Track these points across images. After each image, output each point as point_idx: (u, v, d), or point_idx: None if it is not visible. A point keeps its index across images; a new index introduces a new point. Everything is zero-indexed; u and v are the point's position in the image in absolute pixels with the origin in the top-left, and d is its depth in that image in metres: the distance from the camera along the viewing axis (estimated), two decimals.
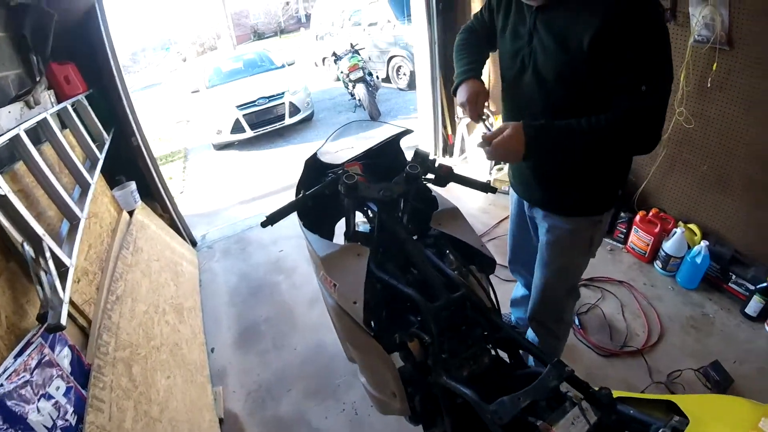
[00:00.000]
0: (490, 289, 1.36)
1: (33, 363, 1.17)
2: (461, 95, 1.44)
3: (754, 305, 2.24)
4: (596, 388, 1.01)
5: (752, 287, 2.27)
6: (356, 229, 1.53)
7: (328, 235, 1.68)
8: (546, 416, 0.96)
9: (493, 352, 1.25)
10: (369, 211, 1.53)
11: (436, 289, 1.19)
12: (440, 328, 1.13)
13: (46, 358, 1.24)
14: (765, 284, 2.18)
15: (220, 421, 2.04)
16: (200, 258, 3.47)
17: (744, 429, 0.85)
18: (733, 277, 2.38)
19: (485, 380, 1.15)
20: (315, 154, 1.63)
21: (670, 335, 2.28)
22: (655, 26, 1.09)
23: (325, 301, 1.44)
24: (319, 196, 1.33)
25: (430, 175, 1.39)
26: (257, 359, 2.46)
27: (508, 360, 1.27)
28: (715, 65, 2.09)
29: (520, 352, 1.25)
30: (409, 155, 1.47)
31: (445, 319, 1.15)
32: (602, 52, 1.11)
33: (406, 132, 1.68)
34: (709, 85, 2.17)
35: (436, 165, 1.36)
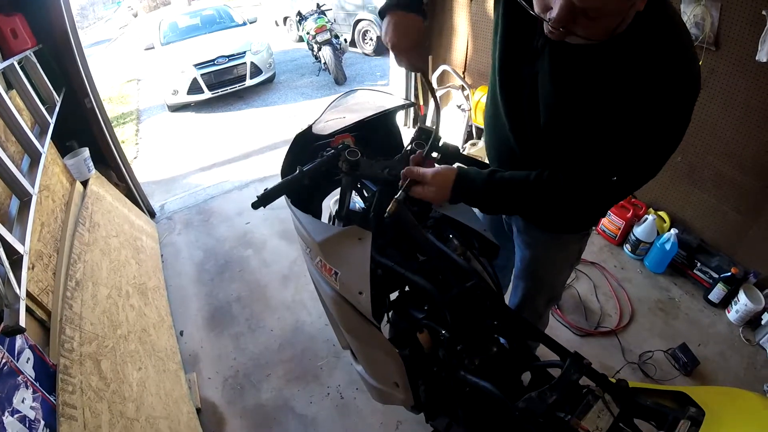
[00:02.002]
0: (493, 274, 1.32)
1: None
2: (385, 33, 1.08)
3: (717, 292, 2.36)
4: (613, 380, 1.01)
5: (716, 276, 2.39)
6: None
7: (316, 213, 1.56)
8: (566, 407, 0.97)
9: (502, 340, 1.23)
10: (365, 190, 1.43)
11: (447, 277, 1.13)
12: (455, 318, 1.09)
13: (7, 366, 1.08)
14: (729, 274, 2.30)
15: (198, 410, 1.94)
16: (160, 230, 3.24)
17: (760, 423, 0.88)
18: (698, 264, 2.49)
19: (493, 369, 1.14)
20: (308, 127, 1.47)
21: (640, 317, 2.38)
22: (680, 118, 0.88)
23: (319, 289, 1.35)
24: (316, 173, 1.19)
25: (435, 154, 1.25)
26: (231, 342, 2.35)
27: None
28: (700, 63, 2.10)
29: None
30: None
31: (459, 309, 1.11)
32: (608, 121, 0.90)
33: (410, 105, 1.55)
34: None
35: (441, 143, 1.23)
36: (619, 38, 0.82)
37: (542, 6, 0.81)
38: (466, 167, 1.07)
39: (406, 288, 1.35)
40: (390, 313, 1.38)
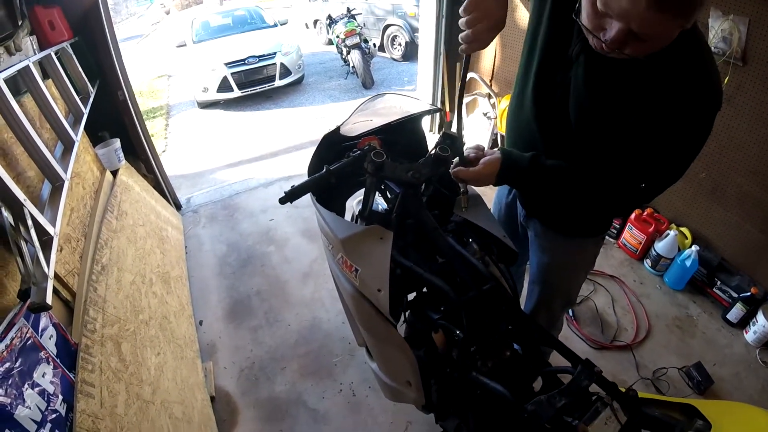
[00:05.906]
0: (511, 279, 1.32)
1: (17, 347, 1.06)
2: (465, 9, 0.96)
3: (735, 312, 2.32)
4: (623, 389, 1.01)
5: (735, 295, 2.34)
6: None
7: (339, 212, 1.59)
8: (574, 413, 0.97)
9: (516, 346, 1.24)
10: (388, 191, 1.45)
11: (465, 280, 1.15)
12: (470, 320, 1.10)
13: (30, 340, 1.12)
14: (748, 294, 2.25)
15: (212, 398, 1.99)
16: (185, 223, 3.33)
17: None
18: (718, 283, 2.44)
19: (505, 373, 1.15)
20: (336, 128, 1.50)
21: (656, 333, 2.34)
22: (702, 130, 0.94)
23: (338, 285, 1.37)
24: (341, 173, 1.22)
25: (457, 159, 1.27)
26: (249, 335, 2.40)
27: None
28: (726, 79, 2.07)
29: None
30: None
31: (475, 311, 1.12)
32: (634, 126, 0.98)
33: (436, 110, 1.58)
34: None
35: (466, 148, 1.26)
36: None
37: (595, 25, 0.85)
38: (508, 150, 1.17)
39: (424, 289, 1.36)
40: (407, 313, 1.40)
